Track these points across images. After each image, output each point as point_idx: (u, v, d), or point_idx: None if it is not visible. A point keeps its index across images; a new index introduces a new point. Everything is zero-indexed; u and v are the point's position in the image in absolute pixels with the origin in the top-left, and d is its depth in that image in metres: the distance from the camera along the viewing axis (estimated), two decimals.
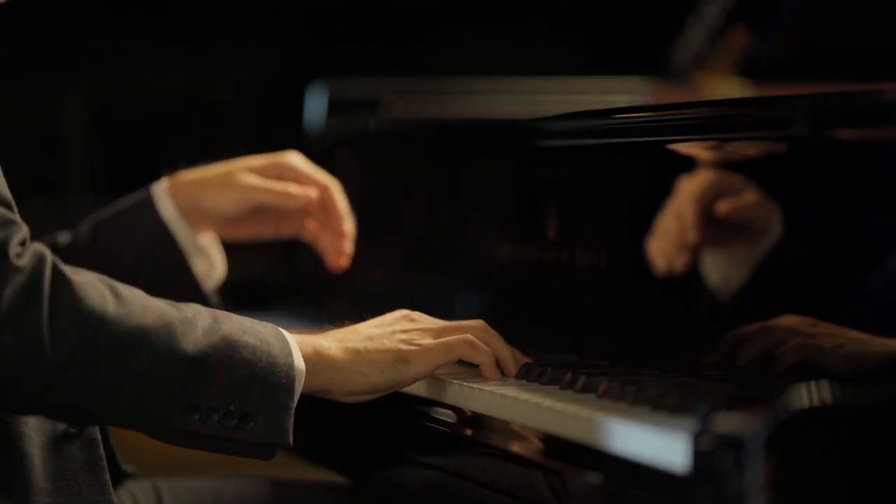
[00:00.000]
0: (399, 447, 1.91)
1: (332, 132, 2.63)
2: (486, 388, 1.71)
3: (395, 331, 1.74)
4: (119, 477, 2.00)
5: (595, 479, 1.47)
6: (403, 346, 1.72)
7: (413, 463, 1.88)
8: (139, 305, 1.56)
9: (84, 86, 4.79)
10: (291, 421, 1.62)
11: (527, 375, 1.77)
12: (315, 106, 2.64)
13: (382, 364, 1.71)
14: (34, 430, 1.64)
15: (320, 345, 1.69)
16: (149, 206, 2.12)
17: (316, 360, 1.67)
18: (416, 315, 1.78)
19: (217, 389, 1.58)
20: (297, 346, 1.65)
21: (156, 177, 2.22)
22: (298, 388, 1.63)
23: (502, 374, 1.77)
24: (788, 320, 1.61)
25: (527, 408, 1.62)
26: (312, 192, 2.12)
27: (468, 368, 1.89)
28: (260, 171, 2.15)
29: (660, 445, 1.39)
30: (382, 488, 2.07)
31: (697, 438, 1.33)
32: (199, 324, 1.58)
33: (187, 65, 4.85)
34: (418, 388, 1.85)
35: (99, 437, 1.70)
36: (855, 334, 1.54)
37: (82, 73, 4.76)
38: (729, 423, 1.31)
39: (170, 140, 4.87)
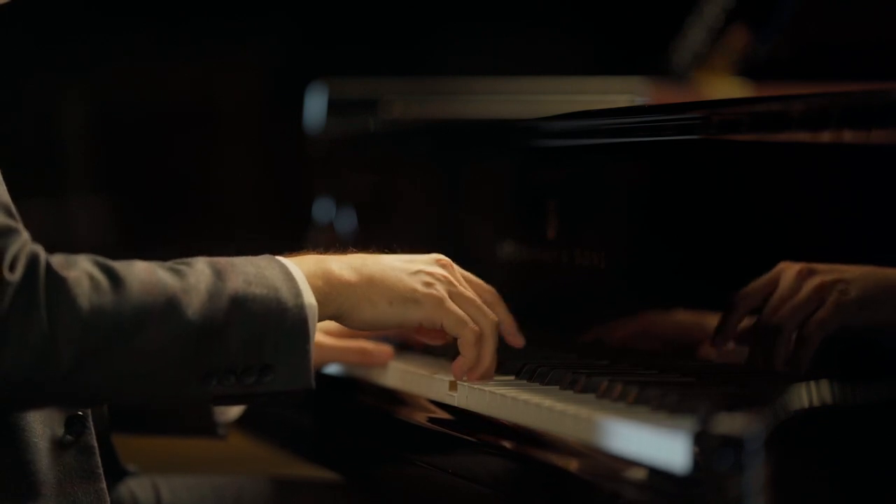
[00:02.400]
0: (399, 446, 1.90)
1: (332, 132, 2.63)
2: (487, 388, 1.71)
3: (420, 270, 1.72)
4: (119, 475, 2.00)
5: (595, 478, 1.47)
6: (421, 288, 1.70)
7: (412, 463, 1.88)
8: (138, 284, 1.53)
9: (84, 86, 4.79)
10: (311, 363, 1.58)
11: (527, 375, 1.77)
12: (315, 106, 2.64)
13: (393, 297, 1.69)
14: (38, 437, 1.64)
15: (331, 271, 1.66)
16: None
17: (327, 290, 1.65)
18: (448, 262, 1.76)
19: (231, 351, 1.55)
20: (306, 279, 1.62)
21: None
22: (313, 326, 1.60)
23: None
24: (786, 268, 1.59)
25: (527, 408, 1.62)
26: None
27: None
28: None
29: (660, 445, 1.39)
30: (383, 487, 2.07)
31: (697, 438, 1.33)
32: (202, 287, 1.55)
33: (187, 65, 4.85)
34: (418, 387, 1.85)
35: (95, 444, 1.68)
36: (856, 269, 1.52)
37: (82, 73, 4.76)
38: (729, 423, 1.31)
39: (170, 140, 4.87)
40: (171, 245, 4.89)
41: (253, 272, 1.60)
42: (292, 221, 3.06)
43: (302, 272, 1.63)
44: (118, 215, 4.76)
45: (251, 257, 1.64)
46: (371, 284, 1.68)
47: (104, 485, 1.68)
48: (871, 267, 1.51)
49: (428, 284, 1.71)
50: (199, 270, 1.58)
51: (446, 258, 1.77)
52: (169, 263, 1.58)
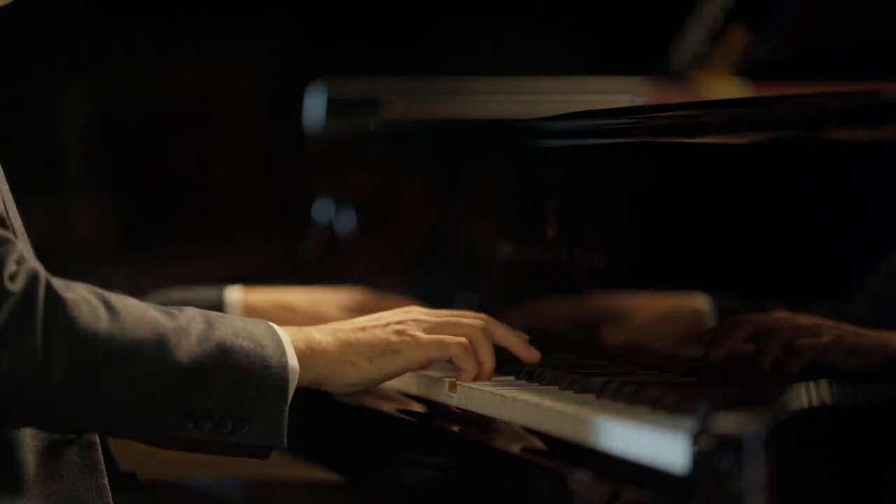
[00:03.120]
0: (398, 447, 1.90)
1: (332, 132, 2.63)
2: (486, 388, 1.71)
3: (391, 322, 1.75)
4: (117, 478, 2.00)
5: (595, 479, 1.47)
6: (394, 338, 1.73)
7: (412, 463, 1.88)
8: (132, 318, 1.56)
9: (84, 86, 4.79)
10: (285, 422, 1.62)
11: (527, 376, 1.77)
12: (315, 106, 2.64)
13: (372, 354, 1.72)
14: (29, 436, 1.64)
15: (312, 338, 1.70)
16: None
17: (309, 354, 1.68)
18: (417, 309, 1.79)
19: (211, 397, 1.58)
20: (291, 342, 1.66)
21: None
22: (292, 388, 1.64)
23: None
24: (782, 316, 1.61)
25: (527, 408, 1.62)
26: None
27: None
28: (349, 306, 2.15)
29: (659, 445, 1.39)
30: (381, 487, 2.07)
31: (697, 438, 1.33)
32: (192, 331, 1.59)
33: (187, 65, 4.85)
34: (418, 388, 1.85)
35: (97, 441, 1.70)
36: (851, 328, 1.54)
37: (82, 73, 4.76)
38: (728, 423, 1.31)
39: (170, 140, 4.87)
40: (171, 245, 4.90)
41: (241, 326, 1.64)
42: (292, 221, 3.06)
43: (288, 336, 1.66)
44: (118, 215, 4.75)
45: (240, 317, 1.68)
46: (348, 347, 1.71)
47: (106, 480, 1.69)
48: (871, 331, 1.52)
49: (400, 332, 1.75)
50: (190, 316, 1.62)
51: (414, 306, 1.80)
52: (160, 307, 1.62)
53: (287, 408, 1.62)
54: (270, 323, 1.68)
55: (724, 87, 2.56)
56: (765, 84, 2.49)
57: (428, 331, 1.75)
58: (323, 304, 2.21)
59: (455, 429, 1.77)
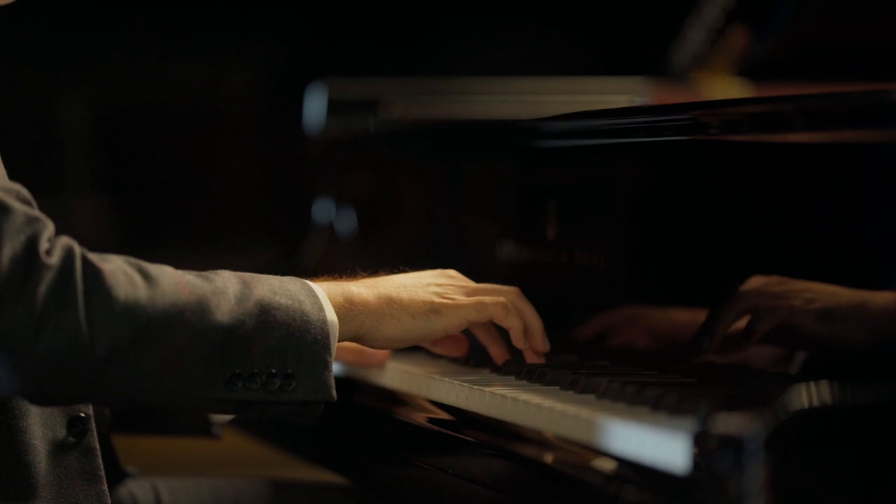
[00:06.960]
0: (399, 447, 1.90)
1: (332, 132, 2.63)
2: (487, 388, 1.72)
3: (430, 283, 1.76)
4: (118, 477, 2.00)
5: (595, 479, 1.47)
6: (437, 299, 1.74)
7: (413, 463, 1.88)
8: (170, 283, 1.55)
9: (84, 86, 4.79)
10: (332, 376, 1.62)
11: (528, 376, 1.77)
12: (315, 106, 2.64)
13: (414, 311, 1.72)
14: (37, 439, 1.64)
15: (350, 291, 1.70)
16: None
17: (348, 307, 1.68)
18: (453, 272, 1.79)
19: (255, 355, 1.57)
20: (328, 296, 1.66)
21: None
22: (334, 341, 1.63)
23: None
24: (755, 282, 1.62)
25: (527, 408, 1.62)
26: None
27: (466, 368, 1.89)
28: None
29: (660, 446, 1.39)
30: (382, 488, 2.07)
31: (697, 439, 1.33)
32: (230, 292, 1.58)
33: (187, 65, 4.85)
34: (419, 389, 1.85)
35: (97, 446, 1.69)
36: (823, 287, 1.54)
37: (82, 73, 4.76)
38: (729, 423, 1.31)
39: (170, 140, 4.87)
40: (171, 245, 4.90)
41: (277, 284, 1.63)
42: (292, 221, 3.06)
43: (324, 291, 1.66)
44: (118, 215, 4.76)
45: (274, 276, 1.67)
46: (390, 302, 1.72)
47: (105, 486, 1.68)
48: (839, 287, 1.52)
49: (441, 295, 1.76)
50: (226, 277, 1.61)
51: (452, 270, 1.81)
52: (195, 272, 1.61)
53: (332, 361, 1.62)
54: (305, 280, 1.67)
55: (724, 87, 2.56)
56: (765, 84, 2.49)
57: (467, 295, 1.76)
58: None
59: (455, 429, 1.77)
